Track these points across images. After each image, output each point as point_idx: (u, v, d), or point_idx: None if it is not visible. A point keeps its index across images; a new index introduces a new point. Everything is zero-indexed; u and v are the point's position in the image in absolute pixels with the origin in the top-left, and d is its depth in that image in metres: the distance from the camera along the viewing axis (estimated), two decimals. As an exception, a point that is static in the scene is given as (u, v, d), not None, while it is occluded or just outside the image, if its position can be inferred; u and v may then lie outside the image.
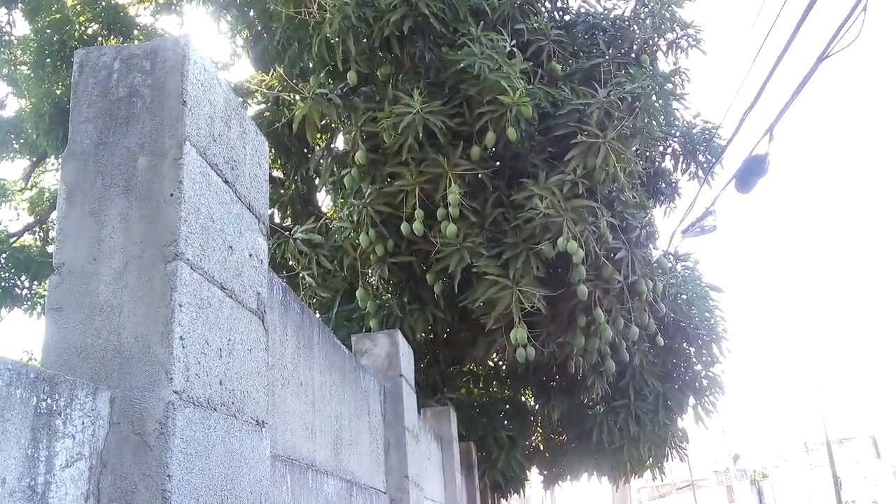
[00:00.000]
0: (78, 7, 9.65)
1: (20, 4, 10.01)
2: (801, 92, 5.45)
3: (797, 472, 32.08)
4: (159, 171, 1.54)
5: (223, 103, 1.78)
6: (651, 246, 6.83)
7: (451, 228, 5.29)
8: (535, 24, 6.24)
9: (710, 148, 7.76)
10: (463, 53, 5.31)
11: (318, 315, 6.60)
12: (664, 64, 7.13)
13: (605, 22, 7.00)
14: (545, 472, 9.29)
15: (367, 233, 5.70)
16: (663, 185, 8.07)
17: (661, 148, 7.48)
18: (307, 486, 2.43)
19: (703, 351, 7.79)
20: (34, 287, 10.47)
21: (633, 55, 6.79)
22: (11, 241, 11.22)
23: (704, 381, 7.90)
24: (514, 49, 5.52)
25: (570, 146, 5.36)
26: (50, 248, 10.93)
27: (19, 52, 10.35)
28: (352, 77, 5.69)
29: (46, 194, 11.93)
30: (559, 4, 7.41)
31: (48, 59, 9.20)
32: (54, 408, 1.23)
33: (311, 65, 6.29)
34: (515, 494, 9.46)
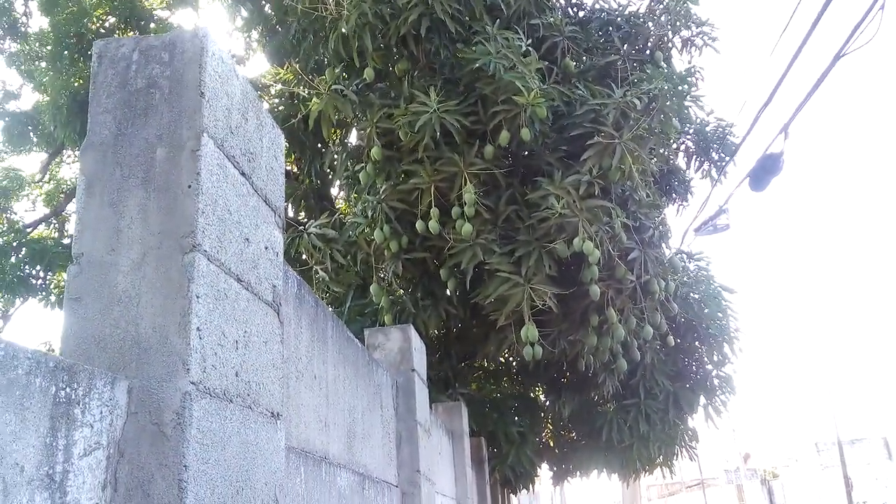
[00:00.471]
0: (95, 1, 9.71)
1: (37, -3, 10.08)
2: (818, 90, 5.41)
3: (808, 472, 31.89)
4: (177, 162, 1.55)
5: (240, 95, 1.78)
6: (664, 245, 6.80)
7: (466, 227, 5.30)
8: (551, 20, 6.21)
9: (723, 146, 7.71)
10: (478, 52, 5.29)
11: (331, 309, 6.61)
12: (679, 62, 7.09)
13: (619, 18, 6.96)
14: (555, 469, 9.30)
15: (382, 229, 5.71)
16: (676, 182, 8.03)
17: (674, 146, 7.44)
18: (320, 478, 2.44)
19: (715, 350, 7.76)
20: (49, 278, 10.56)
21: (647, 52, 6.75)
22: (28, 231, 11.33)
23: (715, 381, 7.87)
24: (529, 48, 5.51)
25: (586, 146, 5.34)
26: (66, 240, 11.03)
27: (37, 46, 10.42)
28: (369, 73, 5.70)
29: (64, 187, 12.03)
30: (574, 1, 7.38)
31: (66, 52, 9.27)
32: (73, 397, 1.24)
33: (326, 60, 6.30)
34: (525, 490, 9.47)
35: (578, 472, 9.04)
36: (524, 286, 5.28)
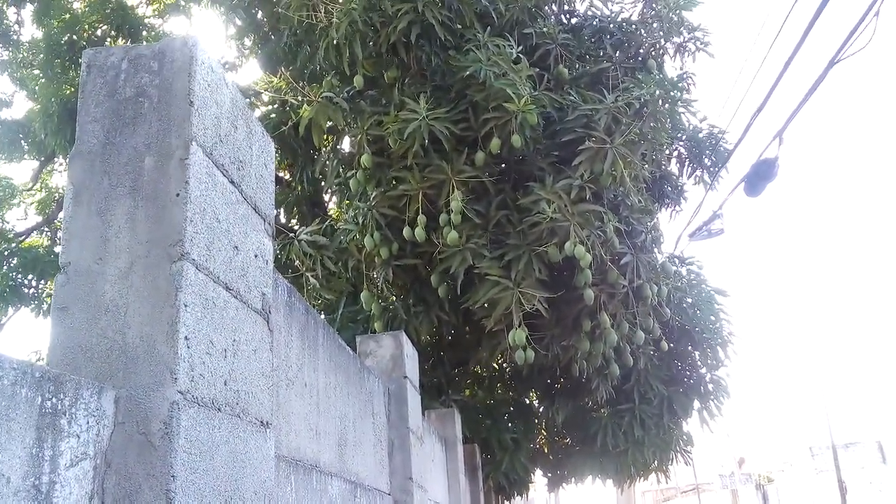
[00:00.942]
0: (87, 8, 9.70)
1: (29, 5, 10.07)
2: (812, 96, 5.44)
3: (802, 476, 31.93)
4: (165, 171, 1.55)
5: (230, 104, 1.79)
6: (656, 250, 6.81)
7: (452, 235, 5.31)
8: (543, 28, 6.23)
9: (716, 152, 7.74)
10: (469, 59, 5.31)
11: (322, 316, 6.61)
12: (671, 68, 7.13)
13: (612, 25, 6.99)
14: (549, 475, 9.28)
15: (372, 235, 5.72)
16: (669, 188, 8.05)
17: (666, 152, 7.47)
18: (311, 487, 2.43)
19: (709, 354, 7.76)
20: (41, 286, 10.51)
21: (640, 59, 6.78)
22: (20, 240, 11.28)
23: (709, 385, 7.88)
24: (521, 55, 5.53)
25: (577, 151, 5.36)
26: (57, 248, 10.98)
27: (29, 54, 10.40)
28: (358, 81, 5.70)
29: (55, 195, 11.98)
30: (566, 8, 7.40)
31: (57, 60, 9.25)
32: (59, 407, 1.23)
33: (318, 67, 6.31)
34: (519, 497, 9.46)
35: (573, 478, 9.03)
36: (513, 290, 5.28)
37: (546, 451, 9.07)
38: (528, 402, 9.05)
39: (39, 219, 12.03)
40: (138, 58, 1.64)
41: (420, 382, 4.69)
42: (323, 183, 7.70)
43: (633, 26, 6.92)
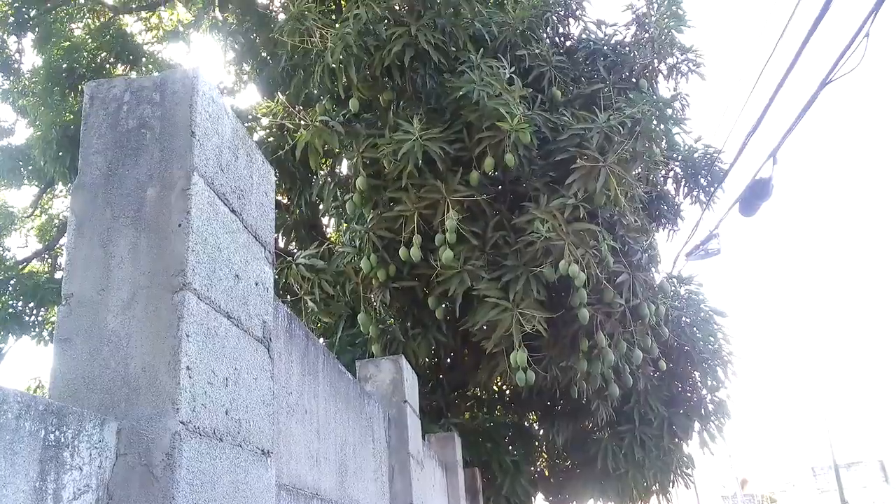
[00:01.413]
0: (87, 36, 9.79)
1: (30, 33, 10.15)
2: (805, 116, 5.50)
3: (805, 496, 31.71)
4: (167, 201, 1.56)
5: (231, 134, 1.81)
6: (653, 269, 6.83)
7: (447, 254, 5.33)
8: (537, 51, 6.30)
9: (711, 172, 7.78)
10: (462, 81, 5.36)
11: (321, 340, 6.60)
12: (665, 89, 7.20)
13: (605, 48, 7.07)
14: (550, 498, 9.20)
15: (369, 258, 5.73)
16: (665, 208, 8.09)
17: (662, 172, 7.51)
18: (312, 514, 2.42)
19: (709, 375, 7.74)
20: (42, 314, 10.47)
21: (633, 80, 6.85)
22: (20, 267, 11.26)
23: (710, 406, 7.84)
24: (514, 75, 5.58)
25: (571, 170, 5.39)
26: (58, 275, 10.97)
27: (30, 82, 10.46)
28: (353, 105, 5.75)
29: (55, 221, 11.99)
30: (560, 31, 7.49)
31: (57, 87, 9.31)
32: (62, 440, 1.24)
33: (315, 91, 6.36)
34: (520, 521, 9.36)
35: (574, 502, 8.95)
36: (513, 311, 5.28)
37: (547, 473, 9.01)
38: (528, 424, 9.01)
39: (39, 246, 12.03)
40: (140, 89, 1.66)
41: (420, 406, 4.68)
42: (321, 206, 7.73)
43: (627, 48, 6.99)
